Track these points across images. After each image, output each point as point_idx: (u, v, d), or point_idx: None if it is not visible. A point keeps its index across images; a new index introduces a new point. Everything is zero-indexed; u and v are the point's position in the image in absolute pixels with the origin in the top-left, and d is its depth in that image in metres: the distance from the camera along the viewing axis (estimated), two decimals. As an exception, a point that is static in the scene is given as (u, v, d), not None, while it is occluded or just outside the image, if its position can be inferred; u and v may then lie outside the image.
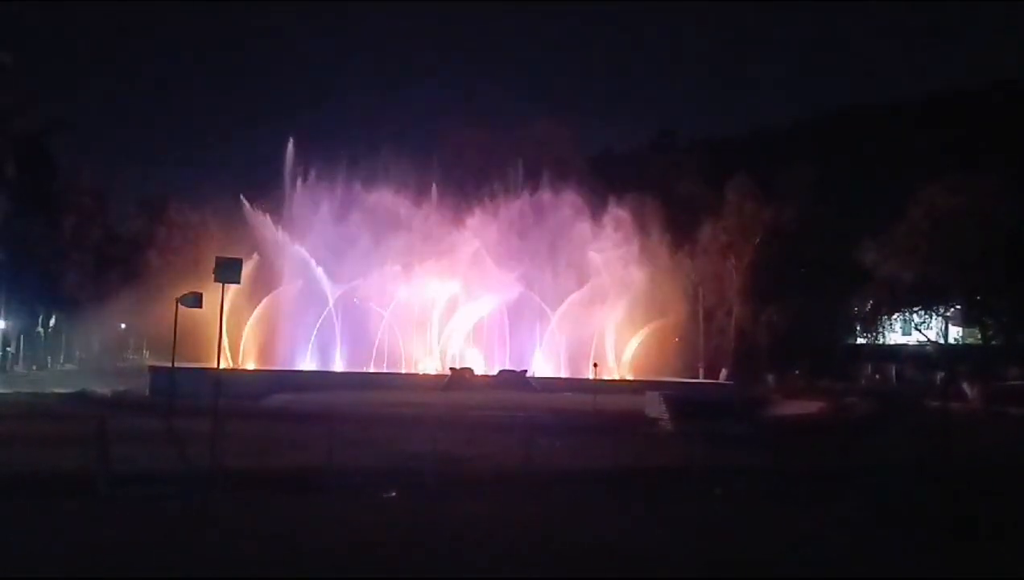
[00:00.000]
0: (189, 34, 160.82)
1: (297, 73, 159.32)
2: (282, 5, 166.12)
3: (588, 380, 37.98)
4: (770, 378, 49.94)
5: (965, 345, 54.39)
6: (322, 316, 43.01)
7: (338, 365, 42.65)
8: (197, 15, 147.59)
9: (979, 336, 51.07)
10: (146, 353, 66.76)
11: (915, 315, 52.14)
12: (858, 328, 55.07)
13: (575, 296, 45.95)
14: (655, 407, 25.84)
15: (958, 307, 50.40)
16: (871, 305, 51.08)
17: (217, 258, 17.13)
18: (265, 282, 41.98)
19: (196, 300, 22.03)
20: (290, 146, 45.00)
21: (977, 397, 36.61)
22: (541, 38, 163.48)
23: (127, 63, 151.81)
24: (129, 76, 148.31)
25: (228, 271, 16.96)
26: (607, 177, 54.48)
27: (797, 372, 51.34)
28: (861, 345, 56.05)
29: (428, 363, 44.60)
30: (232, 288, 18.18)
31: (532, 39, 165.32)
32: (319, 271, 43.03)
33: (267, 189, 46.08)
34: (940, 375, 46.19)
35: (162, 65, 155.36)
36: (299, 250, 42.90)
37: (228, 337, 36.54)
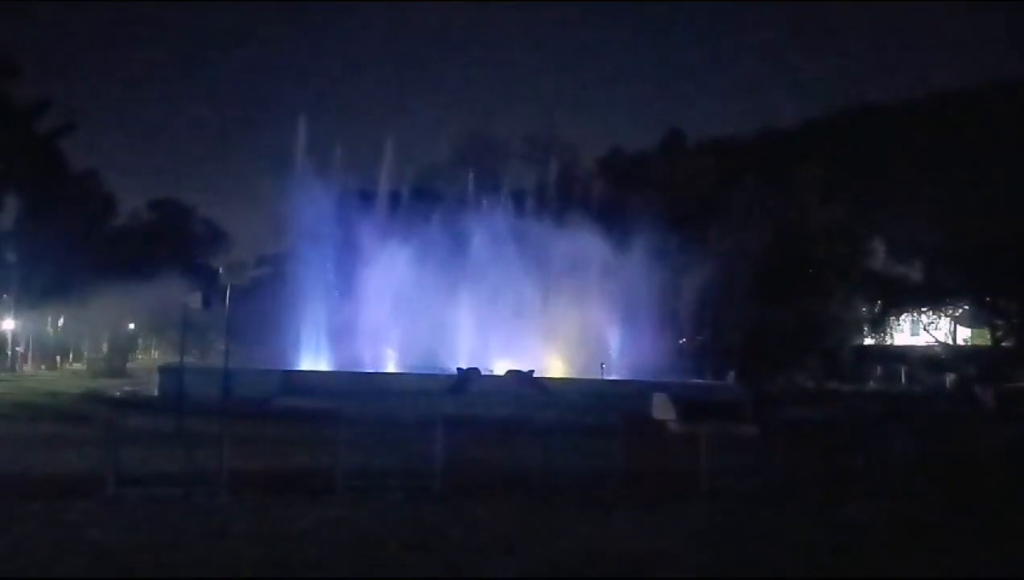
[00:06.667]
0: (198, 33, 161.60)
1: (303, 76, 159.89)
2: (289, 6, 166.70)
3: (595, 380, 37.88)
4: (779, 380, 49.74)
5: (974, 346, 54.10)
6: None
7: (346, 366, 42.67)
8: (205, 13, 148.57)
9: (988, 337, 50.72)
10: (155, 353, 67.11)
11: (924, 316, 51.84)
12: (866, 329, 54.84)
13: (587, 310, 45.78)
14: (662, 408, 25.80)
15: (967, 308, 50.10)
16: (879, 306, 50.81)
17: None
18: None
19: (204, 300, 22.17)
20: (301, 131, 44.75)
21: (989, 399, 36.44)
22: (544, 37, 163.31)
23: (136, 62, 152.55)
24: (137, 76, 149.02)
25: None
26: (615, 177, 54.34)
27: (806, 373, 51.13)
28: (870, 346, 55.82)
29: (435, 363, 44.49)
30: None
31: (534, 38, 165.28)
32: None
33: (274, 185, 45.98)
34: (950, 377, 45.94)
35: (172, 64, 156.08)
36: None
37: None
